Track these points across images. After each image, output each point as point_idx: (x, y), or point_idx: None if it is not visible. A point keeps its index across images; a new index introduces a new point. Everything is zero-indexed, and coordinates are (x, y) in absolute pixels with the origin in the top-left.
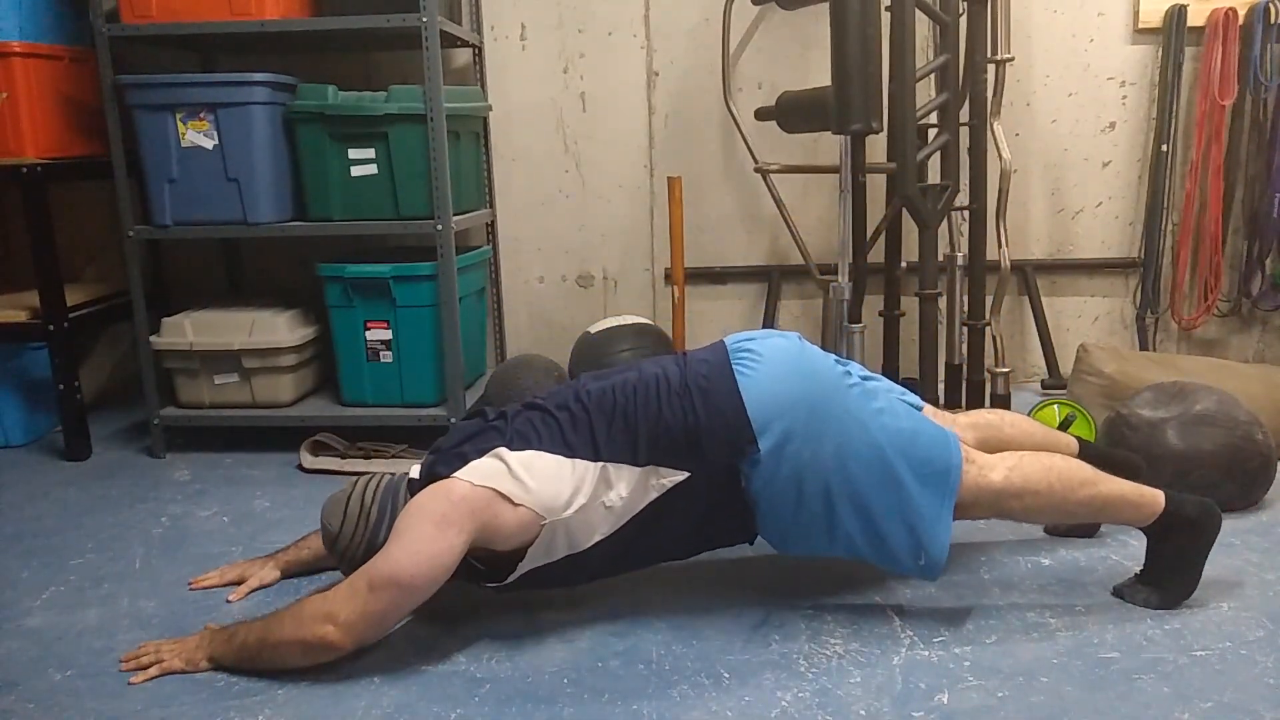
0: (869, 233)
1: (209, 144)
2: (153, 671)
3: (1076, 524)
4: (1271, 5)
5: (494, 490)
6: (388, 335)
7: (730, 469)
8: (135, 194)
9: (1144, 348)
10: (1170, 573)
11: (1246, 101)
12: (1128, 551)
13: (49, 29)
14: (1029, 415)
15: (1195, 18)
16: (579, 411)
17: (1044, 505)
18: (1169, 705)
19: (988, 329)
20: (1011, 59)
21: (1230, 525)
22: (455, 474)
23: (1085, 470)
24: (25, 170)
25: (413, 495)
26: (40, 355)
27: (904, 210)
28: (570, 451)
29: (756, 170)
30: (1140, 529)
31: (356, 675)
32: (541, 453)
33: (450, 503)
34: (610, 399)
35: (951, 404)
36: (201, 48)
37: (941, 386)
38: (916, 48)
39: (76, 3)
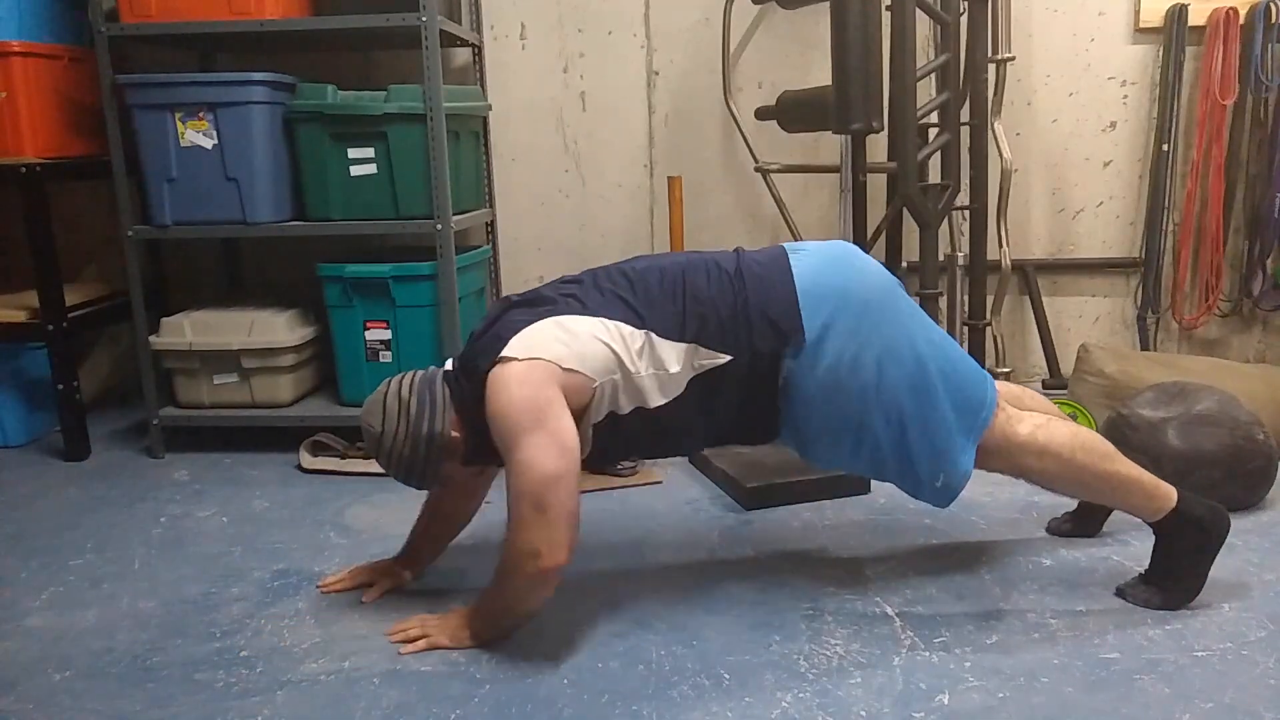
0: (869, 232)
1: (208, 143)
2: (421, 644)
3: (1079, 522)
4: (1272, 5)
5: (541, 359)
6: (387, 335)
7: (773, 358)
8: (134, 194)
9: (1145, 348)
10: (1175, 574)
11: (1247, 101)
12: (1129, 552)
13: (48, 28)
14: None
15: (1196, 17)
16: (622, 284)
17: (1061, 471)
18: (1170, 706)
19: (988, 329)
20: (1012, 58)
21: (1231, 525)
22: (501, 356)
23: (1108, 446)
24: (24, 170)
25: (449, 386)
26: (39, 355)
27: (904, 210)
28: (612, 316)
29: (757, 170)
30: (1149, 524)
31: (356, 675)
32: (583, 317)
33: (523, 384)
34: (657, 275)
35: None
36: (201, 47)
37: None
38: (917, 47)
39: (76, 2)
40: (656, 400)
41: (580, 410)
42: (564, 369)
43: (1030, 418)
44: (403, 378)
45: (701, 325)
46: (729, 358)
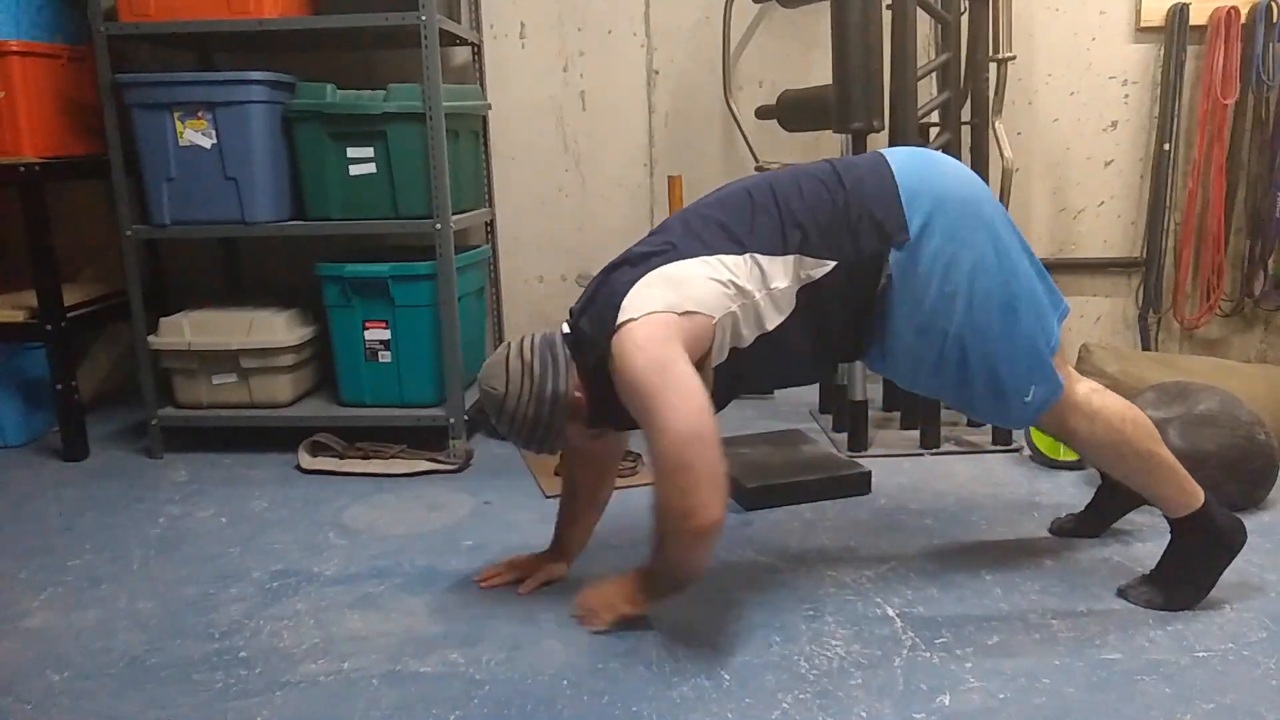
0: None
1: (207, 143)
2: (607, 618)
3: (1083, 522)
4: (1274, 4)
5: (659, 311)
6: (386, 335)
7: (874, 259)
8: (133, 193)
9: (1146, 347)
10: (1182, 576)
11: (1249, 100)
12: (1130, 553)
13: (47, 28)
14: None
15: (1197, 16)
16: (711, 217)
17: (1108, 438)
18: (1171, 706)
19: None
20: (1013, 58)
21: (1246, 540)
22: (618, 325)
23: (1155, 430)
24: (23, 169)
25: (569, 347)
26: (38, 355)
27: None
28: (710, 250)
29: (757, 169)
30: (1168, 519)
31: (356, 676)
32: (685, 260)
33: (650, 349)
34: (745, 198)
35: None
36: (200, 46)
37: None
38: (918, 46)
39: (74, 1)
40: (774, 320)
41: (705, 354)
42: (680, 314)
43: (1088, 381)
44: (521, 340)
45: (803, 235)
46: (833, 263)
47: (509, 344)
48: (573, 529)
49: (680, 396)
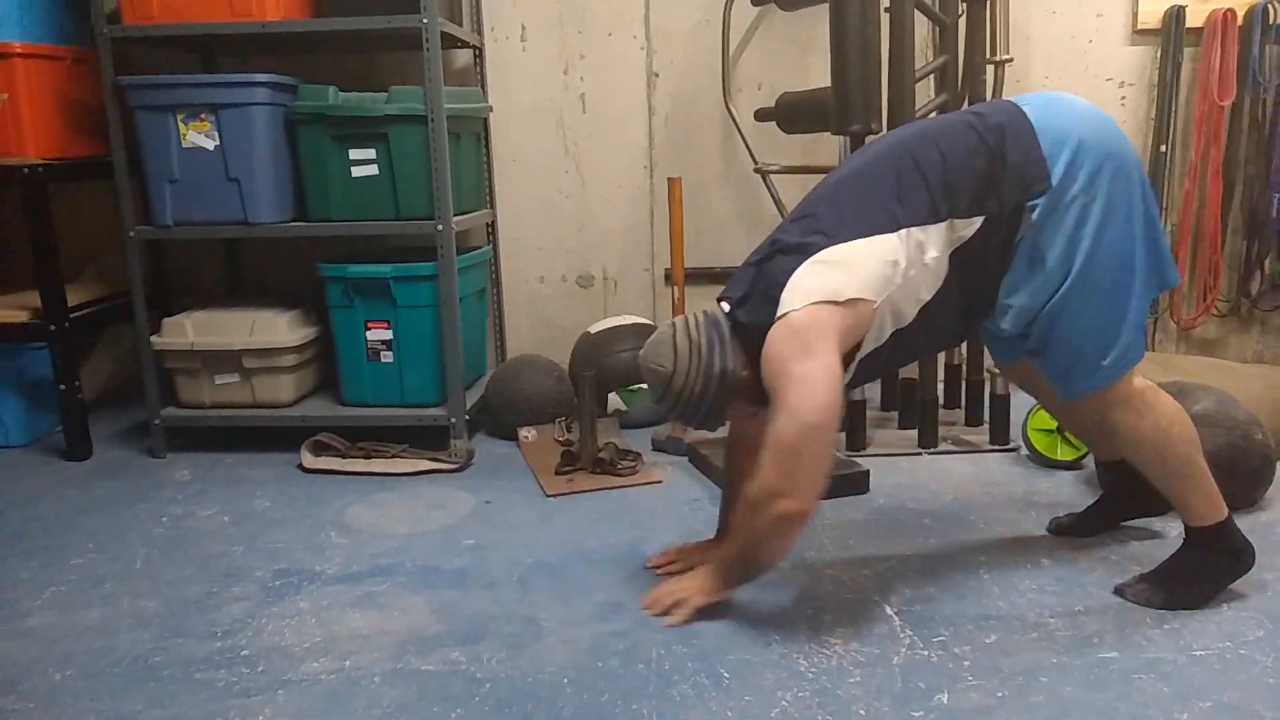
0: None
1: (210, 144)
2: (685, 612)
3: (1081, 523)
4: (1270, 6)
5: (824, 302)
6: (388, 335)
7: (1017, 209)
8: (136, 194)
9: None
10: (1186, 581)
11: (1245, 102)
12: (1127, 552)
13: (50, 29)
14: (1028, 416)
15: (1194, 18)
16: (857, 193)
17: (1153, 436)
18: (1168, 705)
19: None
20: (1010, 60)
21: (1254, 566)
22: (780, 311)
23: (1197, 438)
24: (26, 170)
25: (733, 328)
26: (41, 355)
27: None
28: (865, 231)
29: (756, 171)
30: (1187, 525)
31: (357, 675)
32: (839, 246)
33: (804, 336)
34: (885, 168)
35: (951, 404)
36: (202, 48)
37: (941, 387)
38: (916, 48)
39: (78, 3)
40: (931, 291)
41: (861, 338)
42: (842, 303)
43: (1143, 378)
44: (685, 320)
45: (952, 199)
46: (981, 219)
47: (672, 324)
48: (735, 515)
49: (817, 386)
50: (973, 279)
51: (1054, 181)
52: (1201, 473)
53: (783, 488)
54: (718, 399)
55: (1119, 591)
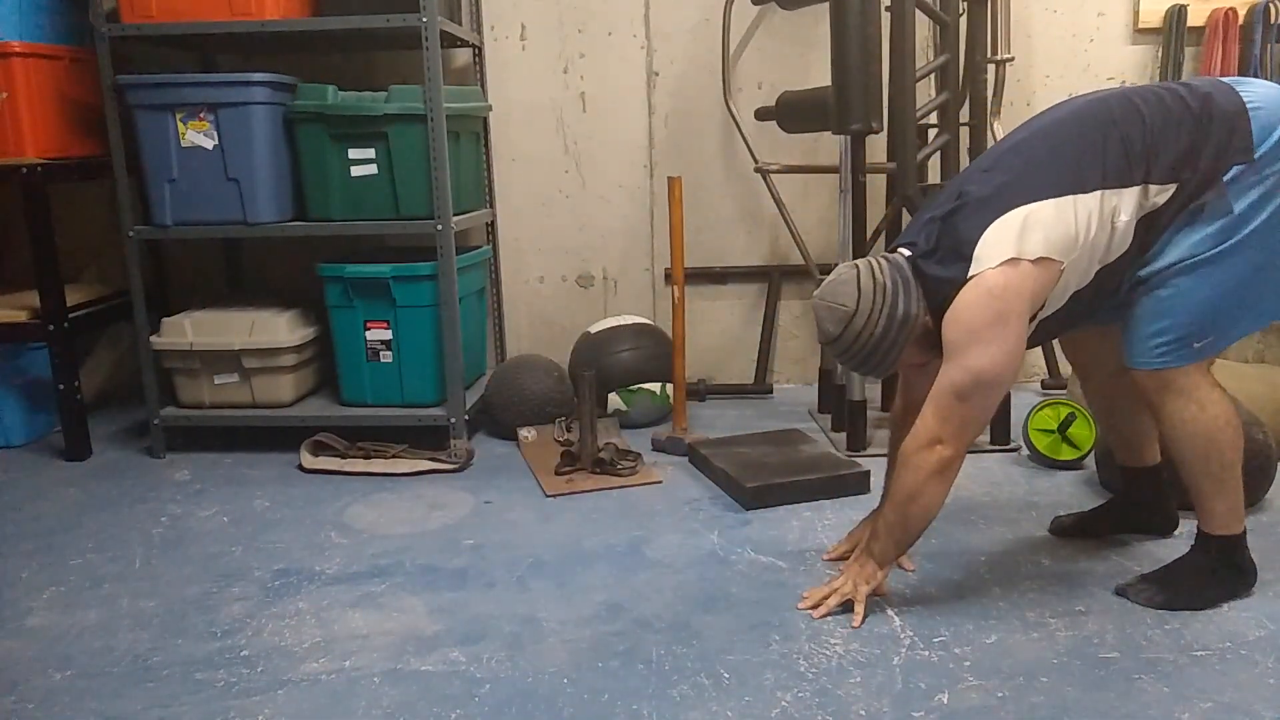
0: (869, 233)
1: (209, 144)
2: (861, 608)
3: (1084, 523)
4: (1271, 5)
5: (1015, 259)
6: (388, 335)
7: (1211, 175)
8: (135, 194)
9: None
10: (1189, 584)
11: None
12: (1128, 552)
13: (49, 29)
14: (1029, 416)
15: (1195, 17)
16: (1054, 151)
17: (1204, 432)
18: (1169, 705)
19: None
20: (1011, 59)
21: (1255, 584)
22: (972, 270)
23: (1242, 447)
24: (25, 170)
25: (916, 276)
26: (40, 355)
27: (904, 210)
28: (1059, 189)
29: (757, 170)
30: (1200, 531)
31: (357, 675)
32: (1035, 204)
33: (995, 296)
34: (1082, 127)
35: None
36: (201, 48)
37: None
38: (916, 48)
39: (77, 3)
40: (1114, 255)
41: (1046, 298)
42: (1034, 261)
43: (1211, 373)
44: (869, 262)
45: (1149, 163)
46: (1175, 186)
47: (855, 265)
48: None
49: (1001, 347)
50: (1142, 245)
51: (1257, 154)
52: (1236, 481)
53: (942, 434)
54: (896, 341)
55: (1121, 592)
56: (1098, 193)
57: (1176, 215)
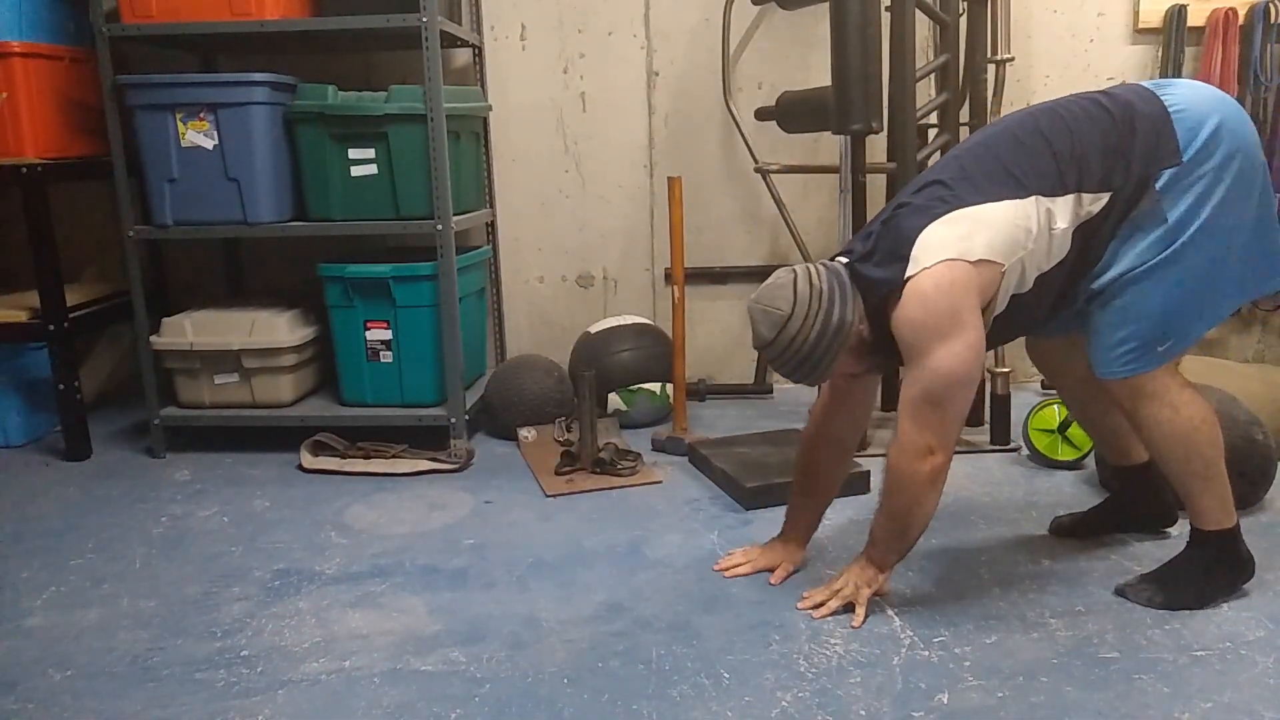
0: None
1: (209, 144)
2: (863, 609)
3: (1082, 524)
4: (1271, 5)
5: (955, 259)
6: (388, 335)
7: (1142, 183)
8: (135, 194)
9: None
10: (1187, 582)
11: (1247, 101)
12: (1128, 552)
13: (49, 29)
14: (1028, 416)
15: (1195, 18)
16: (986, 160)
17: (1183, 434)
18: (1169, 705)
19: None
20: (1011, 59)
21: (1252, 579)
22: (910, 270)
23: (1222, 443)
24: (25, 170)
25: (854, 280)
26: (40, 355)
27: None
28: (995, 196)
29: (757, 170)
30: (1193, 528)
31: (357, 675)
32: (972, 208)
33: (943, 291)
34: (1012, 139)
35: None
36: (201, 48)
37: None
38: (916, 48)
39: (76, 3)
40: (1052, 263)
41: (989, 301)
42: (972, 262)
43: (1183, 376)
44: (806, 267)
45: (1082, 170)
46: (1109, 195)
47: (793, 269)
48: (806, 512)
49: (962, 342)
50: (1089, 256)
51: (1185, 157)
52: (1221, 477)
53: (928, 442)
54: (829, 349)
55: (1120, 592)
56: (1033, 198)
57: (1118, 226)
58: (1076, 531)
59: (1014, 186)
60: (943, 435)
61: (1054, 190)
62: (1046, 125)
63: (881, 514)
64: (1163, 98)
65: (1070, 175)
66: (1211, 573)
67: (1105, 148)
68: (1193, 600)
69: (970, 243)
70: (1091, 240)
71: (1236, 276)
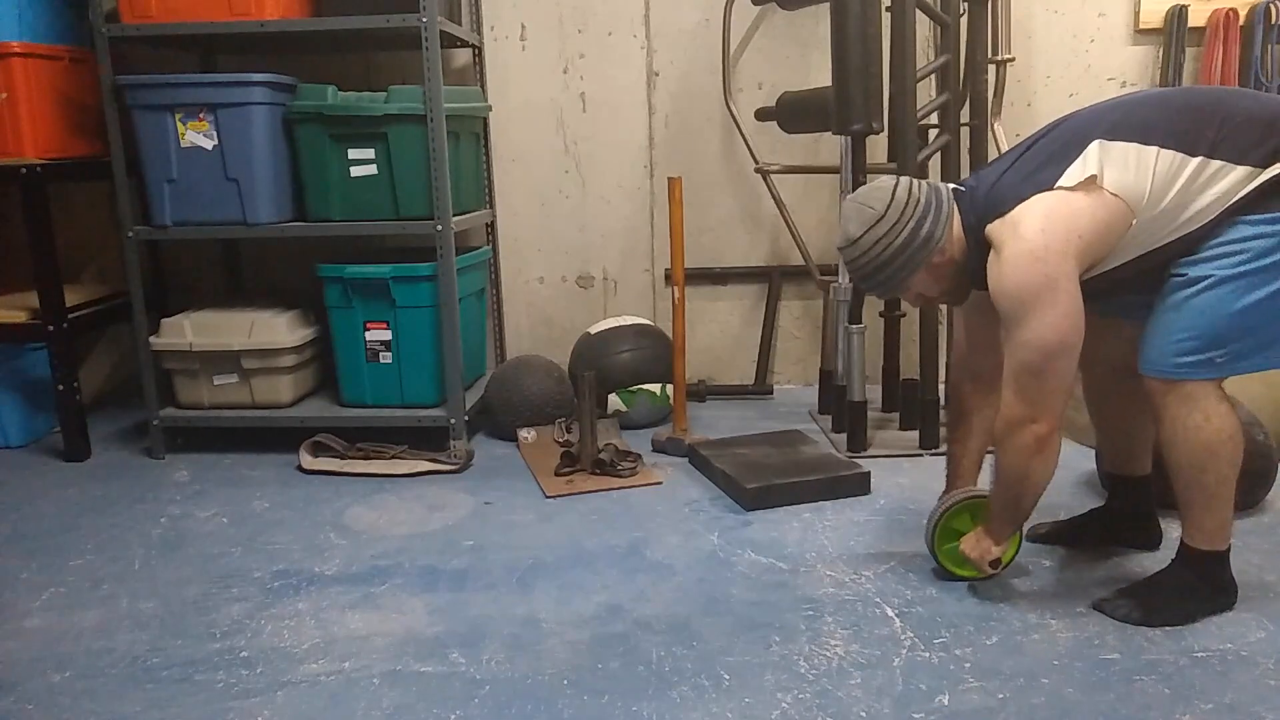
0: None
1: (208, 144)
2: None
3: (1062, 533)
4: (1272, 5)
5: (1076, 188)
6: (387, 336)
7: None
8: (135, 194)
9: None
10: (1167, 599)
11: None
12: (1127, 553)
13: (49, 29)
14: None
15: (1196, 18)
16: (1156, 109)
17: (1202, 444)
18: (1169, 706)
19: None
20: (1012, 59)
21: (1234, 604)
22: (1061, 182)
23: (1239, 467)
24: (25, 170)
25: (957, 203)
26: (40, 356)
27: None
28: (1161, 142)
29: (757, 171)
30: (1183, 544)
31: (356, 675)
32: (1128, 144)
33: (1038, 259)
34: (1198, 96)
35: None
36: (201, 48)
37: (942, 387)
38: (917, 48)
39: (76, 3)
40: (1173, 236)
41: (1107, 250)
42: (1112, 194)
43: (1224, 388)
44: (908, 178)
45: (1217, 137)
46: (1269, 177)
47: (897, 177)
48: (965, 457)
49: (1058, 312)
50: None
51: None
52: (1229, 498)
53: (1030, 413)
54: (910, 261)
55: (1097, 606)
56: (1201, 159)
57: (1248, 206)
58: (1054, 541)
59: (1190, 141)
60: (1044, 404)
61: (1231, 158)
62: (1225, 94)
63: (996, 485)
64: None
65: (1254, 150)
66: (1194, 593)
67: (1250, 124)
68: (1170, 618)
69: (1110, 172)
70: (1202, 210)
71: None
